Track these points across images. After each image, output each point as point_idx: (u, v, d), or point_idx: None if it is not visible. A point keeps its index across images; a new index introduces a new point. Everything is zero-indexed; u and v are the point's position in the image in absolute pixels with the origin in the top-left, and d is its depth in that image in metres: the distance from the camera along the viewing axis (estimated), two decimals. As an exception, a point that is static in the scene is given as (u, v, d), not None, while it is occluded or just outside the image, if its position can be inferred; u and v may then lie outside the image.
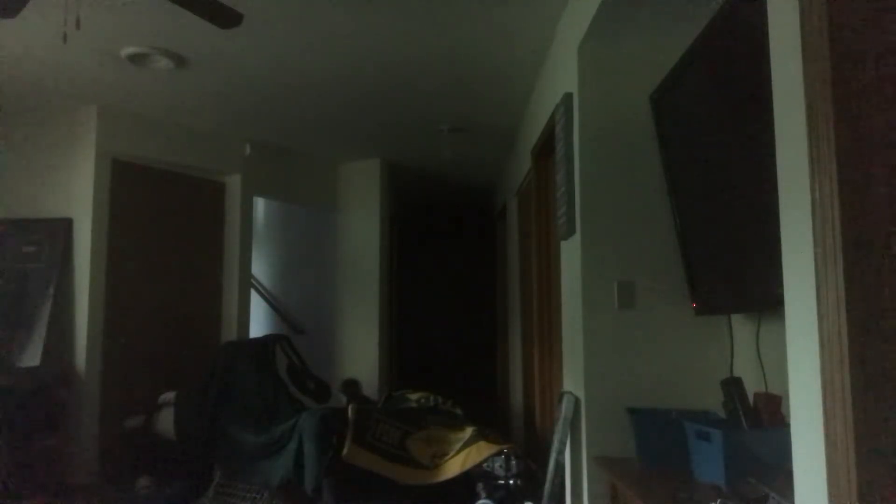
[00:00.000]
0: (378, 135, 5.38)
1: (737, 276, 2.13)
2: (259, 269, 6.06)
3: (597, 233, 2.66)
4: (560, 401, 2.87)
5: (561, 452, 2.78)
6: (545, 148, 3.66)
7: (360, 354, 5.79)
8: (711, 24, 2.06)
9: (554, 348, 3.74)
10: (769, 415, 2.02)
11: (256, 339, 4.72)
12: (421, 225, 7.93)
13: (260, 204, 6.05)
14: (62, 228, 4.44)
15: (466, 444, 3.51)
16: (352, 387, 5.08)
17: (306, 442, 3.51)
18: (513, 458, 3.39)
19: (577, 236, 2.72)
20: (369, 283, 5.91)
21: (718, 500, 1.76)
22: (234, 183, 5.35)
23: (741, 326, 2.37)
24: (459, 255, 8.14)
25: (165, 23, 3.25)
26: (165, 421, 4.22)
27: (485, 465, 3.40)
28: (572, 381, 2.83)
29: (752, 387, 2.14)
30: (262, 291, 6.19)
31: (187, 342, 4.93)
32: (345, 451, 3.42)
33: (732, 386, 2.10)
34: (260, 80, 4.06)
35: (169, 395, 4.30)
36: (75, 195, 4.48)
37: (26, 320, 4.23)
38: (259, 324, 5.88)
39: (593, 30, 2.58)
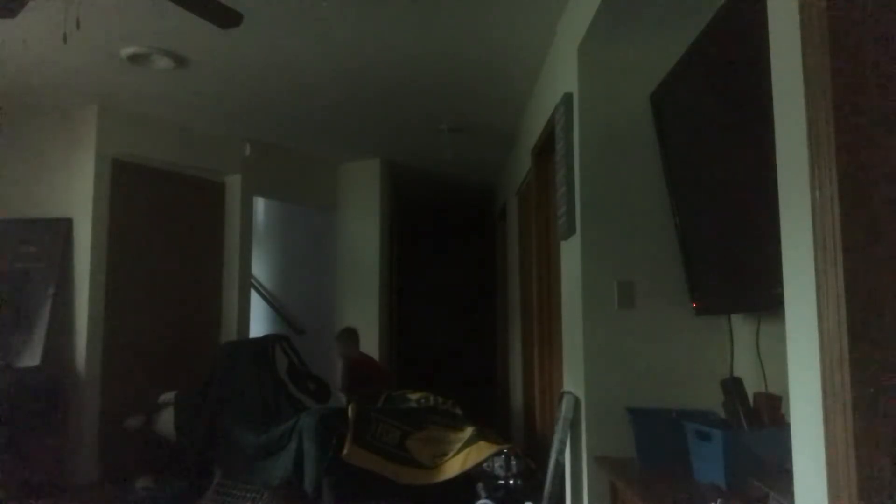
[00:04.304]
0: (378, 135, 5.38)
1: (737, 276, 2.13)
2: (259, 269, 6.06)
3: (597, 233, 2.66)
4: (560, 401, 2.87)
5: (561, 452, 2.78)
6: (545, 148, 3.66)
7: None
8: (711, 24, 2.06)
9: (554, 348, 3.74)
10: (769, 415, 2.02)
11: (256, 339, 4.72)
12: (421, 225, 7.92)
13: (260, 204, 6.05)
14: (62, 228, 4.45)
15: (466, 444, 3.51)
16: (349, 335, 5.04)
17: (306, 442, 3.51)
18: (513, 458, 3.39)
19: (577, 236, 2.72)
20: (369, 284, 5.91)
21: (718, 500, 1.76)
22: (234, 183, 5.35)
23: (741, 326, 2.37)
24: (459, 255, 8.13)
25: (165, 23, 3.25)
26: (165, 421, 4.22)
27: (485, 465, 3.40)
28: (572, 381, 2.83)
29: (752, 387, 2.14)
30: (262, 291, 6.19)
31: (187, 342, 4.93)
32: (345, 451, 3.41)
33: (732, 386, 2.10)
34: (260, 80, 4.06)
35: (169, 395, 4.30)
36: (75, 195, 4.48)
37: (26, 320, 4.23)
38: (259, 324, 5.88)
39: (593, 30, 2.58)
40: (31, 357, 4.13)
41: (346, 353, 5.00)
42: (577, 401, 2.69)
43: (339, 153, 5.96)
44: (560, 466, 2.80)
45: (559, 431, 2.77)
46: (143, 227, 4.80)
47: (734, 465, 1.86)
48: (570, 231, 2.82)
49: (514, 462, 3.37)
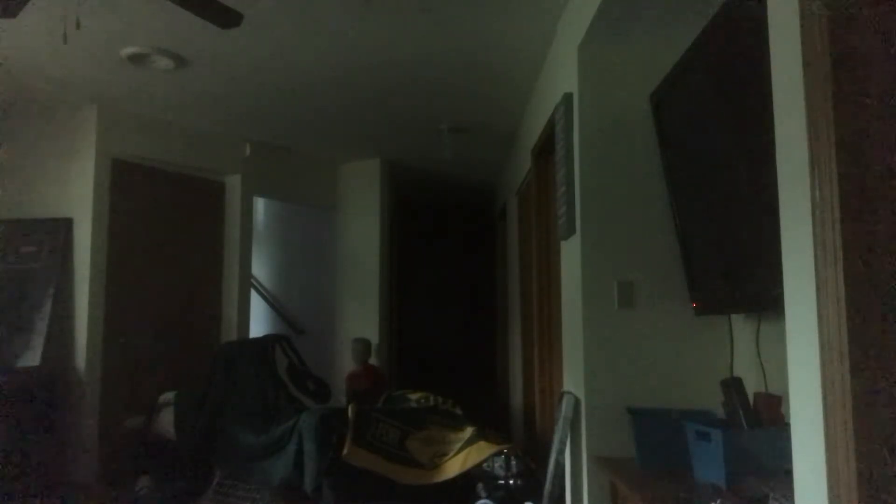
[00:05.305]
0: (378, 135, 5.38)
1: (737, 276, 2.13)
2: (259, 269, 6.06)
3: (597, 233, 2.66)
4: (560, 401, 2.88)
5: (561, 452, 2.78)
6: (545, 148, 3.66)
7: (360, 354, 5.79)
8: (711, 24, 2.06)
9: (554, 348, 3.73)
10: (769, 415, 2.02)
11: (256, 339, 4.72)
12: (421, 225, 7.92)
13: (260, 204, 6.05)
14: (62, 228, 4.44)
15: (466, 444, 3.51)
16: (361, 345, 5.33)
17: (306, 442, 3.51)
18: (513, 458, 3.39)
19: (577, 236, 2.72)
20: (369, 283, 5.91)
21: (718, 500, 1.76)
22: (234, 183, 5.35)
23: (741, 326, 2.37)
24: (459, 255, 8.13)
25: (165, 23, 3.25)
26: (165, 421, 4.22)
27: (485, 465, 3.40)
28: (572, 381, 2.83)
29: (752, 387, 2.14)
30: (262, 291, 6.19)
31: (187, 342, 4.93)
32: (345, 451, 3.42)
33: (732, 386, 2.10)
34: (260, 80, 4.06)
35: (169, 396, 4.30)
36: (75, 195, 4.48)
37: (26, 320, 4.23)
38: (259, 324, 5.88)
39: (593, 30, 2.58)
40: (31, 357, 4.13)
41: (361, 360, 5.30)
42: (577, 401, 2.69)
43: (339, 153, 5.96)
44: (560, 466, 2.80)
45: (559, 431, 2.77)
46: (143, 227, 4.80)
47: (734, 465, 1.86)
48: (570, 231, 2.82)
49: (514, 462, 3.38)
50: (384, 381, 5.30)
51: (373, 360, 5.52)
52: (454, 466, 3.45)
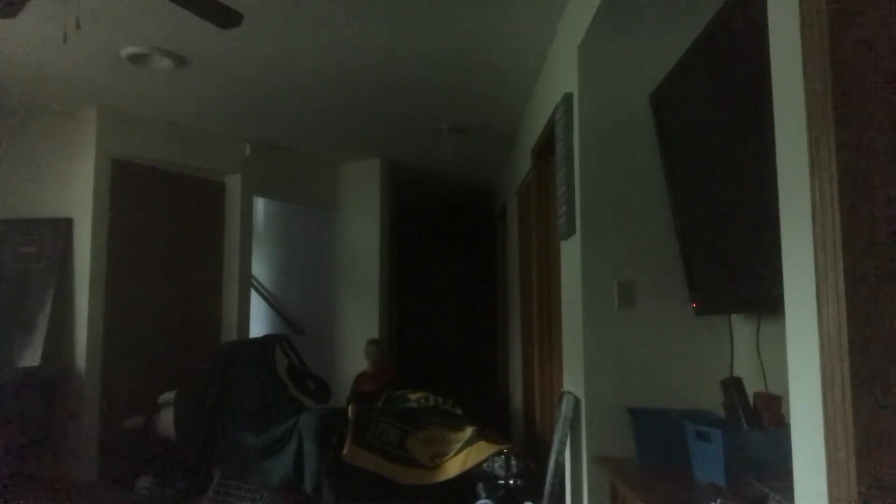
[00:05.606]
0: (378, 135, 5.38)
1: (737, 276, 2.13)
2: (259, 269, 6.06)
3: (597, 233, 2.66)
4: (560, 401, 2.87)
5: (561, 452, 2.78)
6: (545, 148, 3.66)
7: (360, 354, 5.78)
8: (711, 23, 2.06)
9: (554, 348, 3.73)
10: (769, 415, 2.02)
11: (256, 339, 4.72)
12: (421, 225, 7.92)
13: (260, 204, 6.05)
14: (62, 228, 4.45)
15: (466, 444, 3.51)
16: (376, 345, 5.38)
17: (306, 442, 3.51)
18: (513, 458, 3.39)
19: (577, 236, 2.72)
20: (369, 283, 5.91)
21: (718, 500, 1.76)
22: (234, 183, 5.35)
23: (741, 326, 2.37)
24: (459, 255, 8.13)
25: (165, 23, 3.25)
26: (165, 421, 4.22)
27: (485, 465, 3.40)
28: (572, 381, 2.83)
29: (752, 387, 2.14)
30: (262, 291, 6.19)
31: (187, 342, 4.93)
32: (345, 451, 3.42)
33: (732, 386, 2.10)
34: (260, 80, 4.06)
35: (169, 395, 4.30)
36: (75, 195, 4.48)
37: (26, 320, 4.23)
38: (259, 324, 5.88)
39: (593, 30, 2.58)
40: (31, 357, 4.13)
41: (376, 360, 5.35)
42: (577, 401, 2.69)
43: (339, 153, 5.96)
44: (560, 466, 2.79)
45: (559, 431, 2.77)
46: (143, 227, 4.80)
47: (734, 465, 1.86)
48: (570, 231, 2.82)
49: (514, 462, 3.37)
50: (389, 384, 5.30)
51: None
52: (454, 466, 3.45)
